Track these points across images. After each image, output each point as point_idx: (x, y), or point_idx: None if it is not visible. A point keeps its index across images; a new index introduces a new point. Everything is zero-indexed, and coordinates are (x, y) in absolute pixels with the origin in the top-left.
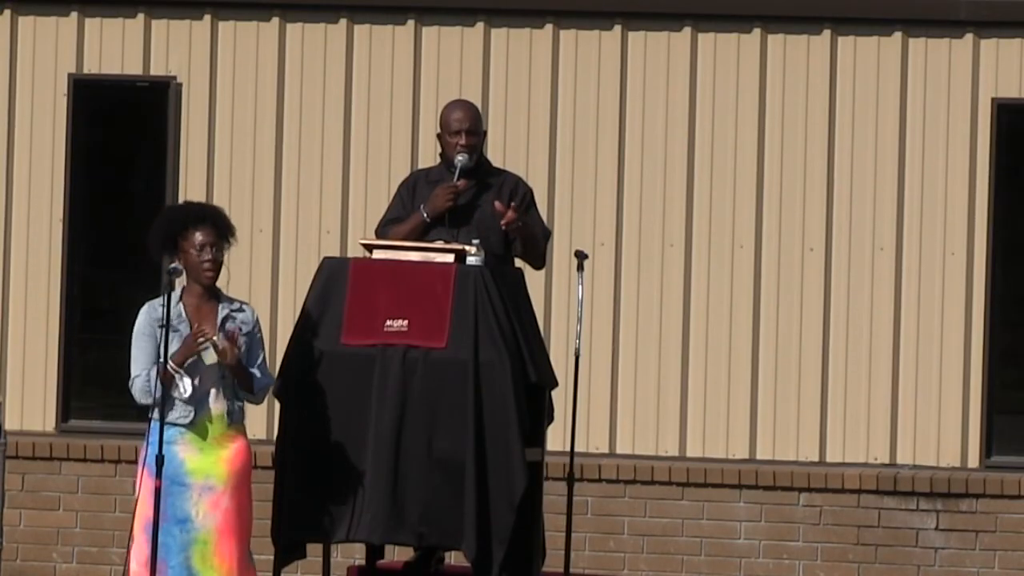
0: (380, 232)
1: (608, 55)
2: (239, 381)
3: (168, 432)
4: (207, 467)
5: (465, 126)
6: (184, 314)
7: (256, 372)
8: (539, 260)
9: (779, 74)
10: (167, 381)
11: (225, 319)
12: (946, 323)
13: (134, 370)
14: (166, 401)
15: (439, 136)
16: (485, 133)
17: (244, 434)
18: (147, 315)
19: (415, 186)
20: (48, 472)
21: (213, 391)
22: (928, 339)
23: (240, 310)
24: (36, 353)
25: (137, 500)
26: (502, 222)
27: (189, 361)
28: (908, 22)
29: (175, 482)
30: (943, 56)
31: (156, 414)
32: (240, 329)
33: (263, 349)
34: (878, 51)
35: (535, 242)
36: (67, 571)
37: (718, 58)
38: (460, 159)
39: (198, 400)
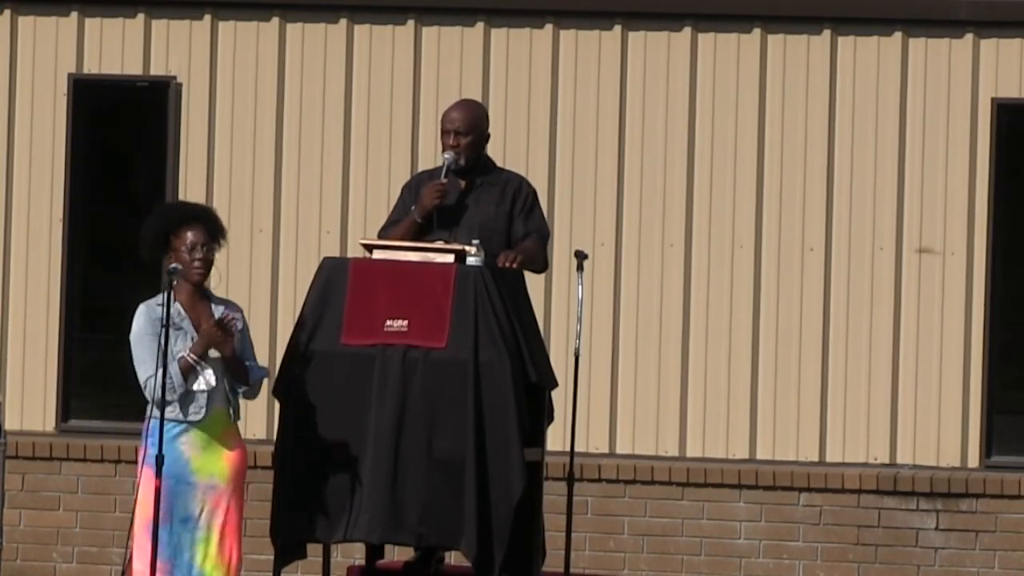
0: (381, 234)
1: (608, 55)
2: (236, 374)
3: (172, 430)
4: (211, 466)
5: (454, 126)
6: (183, 312)
7: (250, 364)
8: (540, 266)
9: (779, 74)
10: (188, 373)
11: (221, 317)
12: (946, 323)
13: (144, 371)
14: (182, 397)
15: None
16: (488, 135)
17: (239, 434)
18: (147, 316)
19: (418, 187)
20: (48, 472)
21: (218, 388)
22: (928, 339)
23: (232, 308)
24: (36, 353)
25: (138, 499)
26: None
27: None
28: (908, 22)
29: (180, 481)
30: (943, 56)
31: (166, 411)
32: (236, 325)
33: (252, 347)
34: (878, 51)
35: (534, 263)
36: (67, 571)
37: (718, 58)
38: (446, 157)
39: (209, 397)
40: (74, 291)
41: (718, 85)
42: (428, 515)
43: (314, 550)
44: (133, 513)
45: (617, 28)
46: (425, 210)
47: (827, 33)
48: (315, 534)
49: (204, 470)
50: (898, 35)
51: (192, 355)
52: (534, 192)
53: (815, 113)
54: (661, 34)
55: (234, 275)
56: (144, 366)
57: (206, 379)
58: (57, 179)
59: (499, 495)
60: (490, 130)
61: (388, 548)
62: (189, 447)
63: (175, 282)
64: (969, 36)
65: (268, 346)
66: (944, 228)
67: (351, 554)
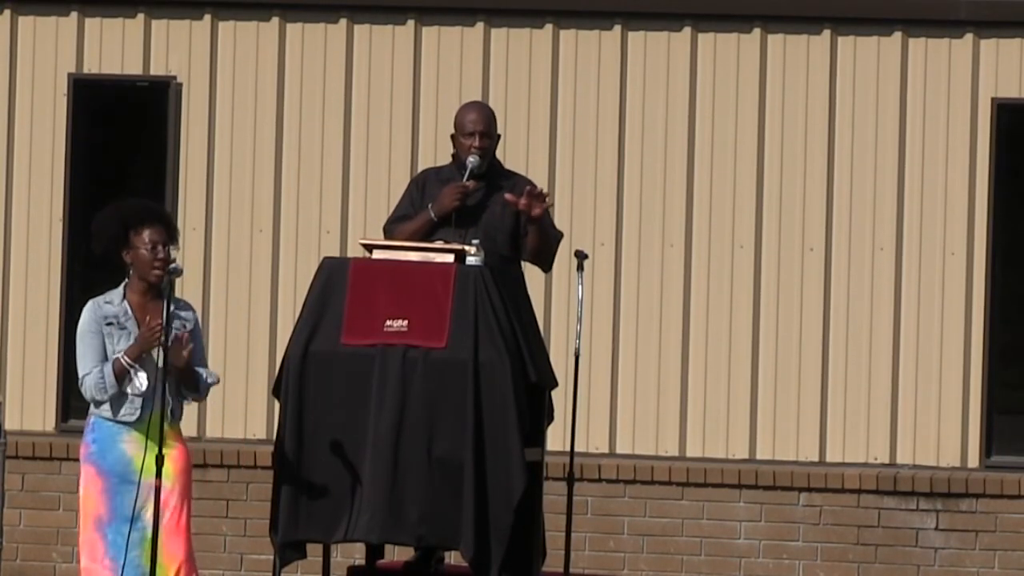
0: (387, 229)
1: (608, 55)
2: (185, 382)
3: (112, 429)
4: (151, 464)
5: (479, 128)
6: (130, 311)
7: (201, 371)
8: (549, 261)
9: (779, 74)
10: (121, 375)
11: (171, 317)
12: (946, 323)
13: (82, 368)
14: (115, 398)
15: (453, 137)
16: (499, 136)
17: (181, 433)
18: (92, 313)
19: (425, 184)
20: (48, 472)
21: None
22: (928, 339)
23: (184, 308)
24: (36, 353)
25: (81, 496)
26: (521, 204)
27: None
28: (908, 22)
29: (123, 480)
30: (943, 56)
31: (99, 410)
32: (185, 327)
33: (203, 346)
34: (878, 51)
35: (548, 240)
36: (67, 571)
37: (718, 58)
38: (471, 161)
39: (145, 398)
40: (74, 291)
41: (718, 85)
42: (428, 515)
43: (314, 550)
44: (79, 511)
45: (617, 28)
46: (445, 210)
47: (827, 33)
48: (315, 534)
49: (147, 470)
50: (898, 35)
51: (126, 358)
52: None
53: (815, 113)
54: (661, 34)
55: (234, 275)
56: (83, 362)
57: (139, 382)
58: (57, 179)
59: (499, 495)
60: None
61: (388, 548)
62: (130, 446)
63: (174, 281)
64: (969, 36)
65: (268, 346)
66: (944, 228)
67: (351, 554)
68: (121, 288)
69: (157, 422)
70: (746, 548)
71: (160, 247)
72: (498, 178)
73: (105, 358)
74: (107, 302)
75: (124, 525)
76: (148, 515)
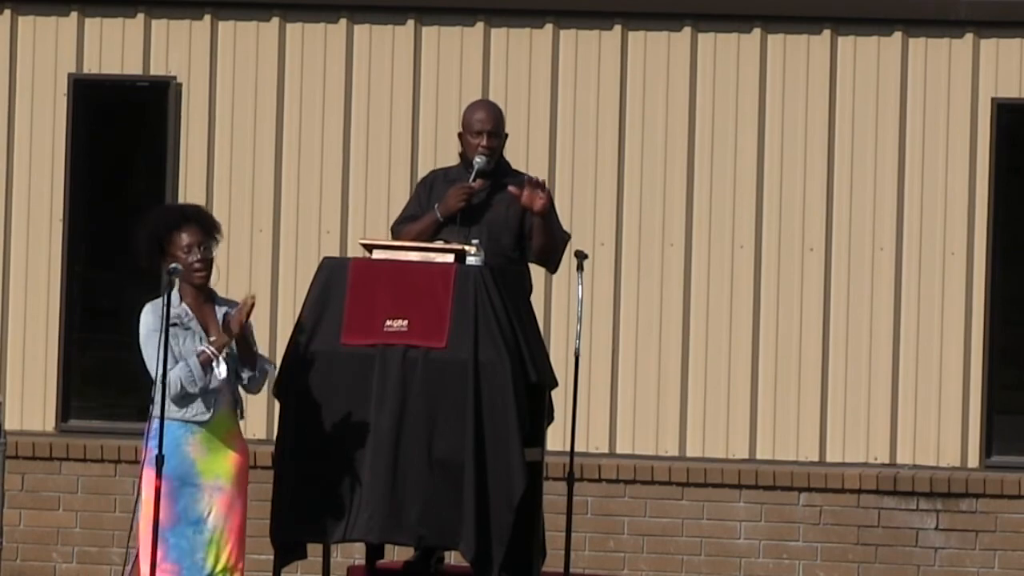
0: (394, 230)
1: (608, 55)
2: (243, 357)
3: (177, 431)
4: (216, 467)
5: (487, 127)
6: (190, 312)
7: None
8: (555, 262)
9: (779, 74)
10: (205, 364)
11: (169, 316)
12: (946, 323)
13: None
14: (184, 399)
15: (460, 135)
16: (506, 135)
17: (242, 433)
18: (154, 314)
19: (432, 184)
20: (48, 472)
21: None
22: (928, 339)
23: (232, 304)
24: (36, 353)
25: (142, 500)
26: (524, 198)
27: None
28: (908, 22)
29: (186, 483)
30: (943, 56)
31: (172, 411)
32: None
33: (255, 339)
34: (878, 51)
35: (553, 239)
36: (67, 571)
37: (718, 58)
38: (478, 160)
39: (215, 398)
40: (74, 291)
41: (718, 85)
42: (428, 515)
43: (314, 550)
44: (134, 514)
45: (617, 28)
46: (450, 211)
47: (827, 33)
48: (315, 534)
49: (210, 471)
50: (898, 35)
51: (211, 348)
52: (549, 197)
53: (815, 113)
54: (661, 34)
55: (234, 275)
56: (157, 364)
57: (220, 371)
58: (57, 179)
59: (499, 495)
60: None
61: (388, 548)
62: (194, 448)
63: (176, 282)
64: (969, 36)
65: (268, 346)
66: (944, 228)
67: (351, 554)
68: (177, 293)
69: (222, 421)
70: (746, 548)
71: (197, 248)
72: (505, 178)
73: (176, 358)
74: (164, 305)
75: (188, 528)
76: (211, 519)
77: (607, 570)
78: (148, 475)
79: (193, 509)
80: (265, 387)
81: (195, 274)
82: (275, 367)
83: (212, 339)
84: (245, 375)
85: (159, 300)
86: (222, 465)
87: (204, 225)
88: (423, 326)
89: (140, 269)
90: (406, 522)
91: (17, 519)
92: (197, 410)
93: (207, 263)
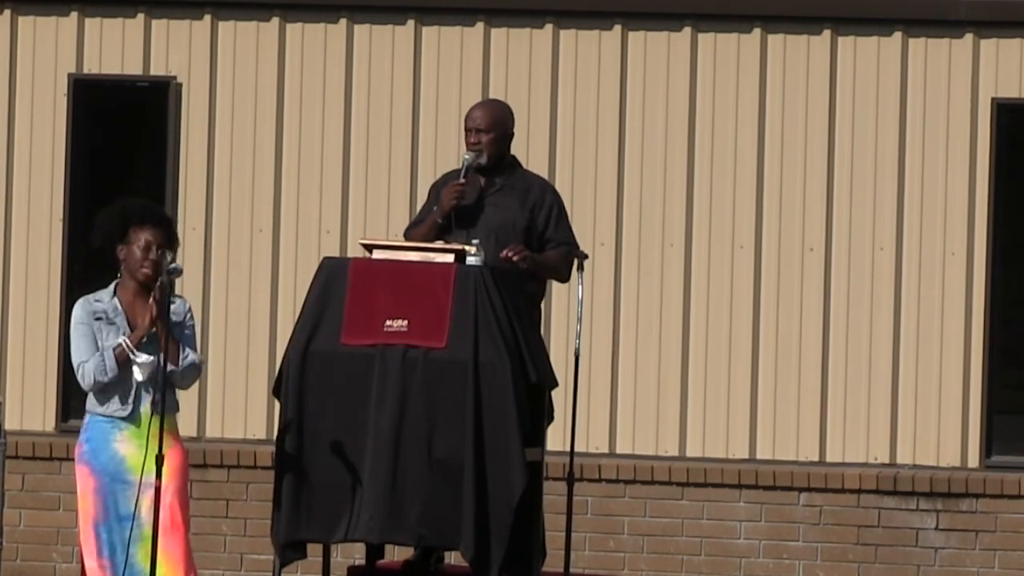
0: (405, 234)
1: (608, 55)
2: (166, 351)
3: (105, 428)
4: (148, 464)
5: (475, 124)
6: (120, 308)
7: (186, 349)
8: (561, 280)
9: (779, 74)
10: (123, 361)
11: (167, 315)
12: (946, 323)
13: (80, 356)
14: (103, 393)
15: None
16: (511, 135)
17: (178, 431)
18: (83, 308)
19: (441, 187)
20: (48, 472)
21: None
22: (928, 339)
23: (173, 301)
24: (36, 353)
25: (78, 496)
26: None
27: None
28: (908, 22)
29: (116, 479)
30: (943, 56)
31: (93, 406)
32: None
33: (195, 339)
34: (878, 51)
35: (550, 274)
36: (67, 571)
37: (718, 58)
38: (467, 157)
39: (136, 394)
40: (74, 291)
41: (718, 85)
42: (428, 515)
43: (314, 550)
44: (79, 511)
45: (617, 28)
46: (444, 211)
47: (827, 33)
48: (315, 534)
49: (139, 468)
50: (898, 35)
51: (127, 342)
52: (560, 203)
53: (815, 113)
54: (661, 34)
55: (234, 275)
56: (79, 351)
57: (139, 370)
58: (57, 179)
59: (499, 495)
60: (514, 129)
61: (388, 548)
62: (122, 445)
63: (174, 281)
64: (969, 36)
65: (268, 346)
66: (944, 228)
67: (351, 554)
68: (112, 286)
69: (150, 419)
70: (746, 548)
71: (154, 249)
72: (511, 177)
73: (97, 350)
74: (97, 300)
75: (118, 524)
76: (145, 514)
77: (607, 570)
78: (79, 471)
79: (124, 505)
80: (265, 387)
81: (142, 270)
82: (204, 362)
83: (128, 335)
84: (171, 375)
85: (91, 296)
86: (153, 462)
87: (168, 232)
88: (423, 326)
89: (92, 246)
90: (406, 522)
91: (17, 519)
92: (116, 406)
93: (155, 266)
